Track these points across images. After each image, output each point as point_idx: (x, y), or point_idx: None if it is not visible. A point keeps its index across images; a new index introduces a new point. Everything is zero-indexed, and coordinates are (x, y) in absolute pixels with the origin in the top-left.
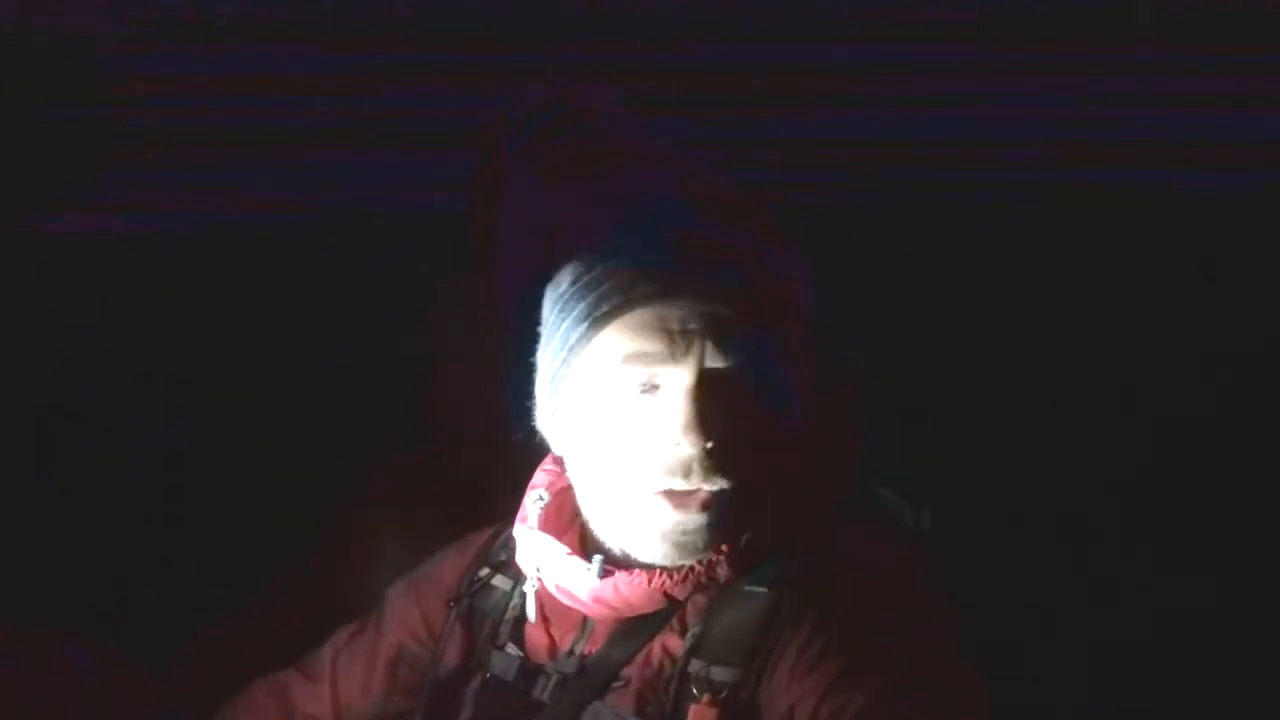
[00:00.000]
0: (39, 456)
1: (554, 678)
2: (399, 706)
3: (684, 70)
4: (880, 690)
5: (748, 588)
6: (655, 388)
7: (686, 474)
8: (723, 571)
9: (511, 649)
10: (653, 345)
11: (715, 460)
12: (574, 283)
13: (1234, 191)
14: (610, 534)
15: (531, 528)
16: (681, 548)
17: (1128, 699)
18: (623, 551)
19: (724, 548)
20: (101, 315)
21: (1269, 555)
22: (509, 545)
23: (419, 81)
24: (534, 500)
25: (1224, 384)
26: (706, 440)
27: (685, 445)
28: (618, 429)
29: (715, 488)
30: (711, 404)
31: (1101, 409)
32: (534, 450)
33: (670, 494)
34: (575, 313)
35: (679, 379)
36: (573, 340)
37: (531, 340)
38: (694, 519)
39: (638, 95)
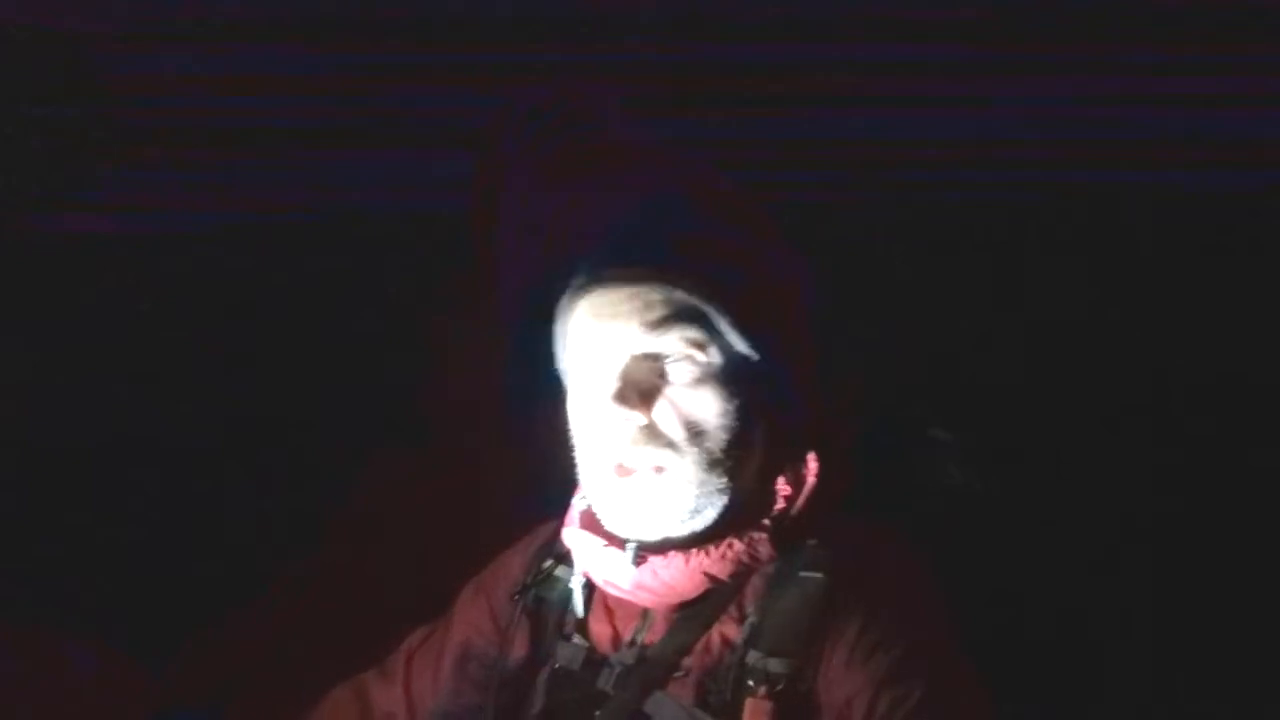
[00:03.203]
0: (39, 456)
1: (617, 669)
2: (470, 701)
3: (684, 70)
4: (934, 682)
5: (802, 573)
6: (594, 370)
7: (628, 448)
8: (764, 550)
9: (578, 639)
10: (587, 332)
11: (651, 436)
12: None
13: (1234, 191)
14: (599, 511)
15: (572, 526)
16: (639, 520)
17: (1128, 699)
18: (660, 537)
19: (765, 522)
20: (101, 315)
21: (1273, 555)
22: None
23: (419, 81)
24: (577, 500)
25: (1225, 384)
26: (631, 416)
27: (620, 421)
28: (581, 409)
29: (660, 462)
30: (636, 383)
31: (1101, 409)
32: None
33: (621, 468)
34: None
35: (607, 361)
36: (561, 334)
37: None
38: (643, 491)
39: (638, 95)
